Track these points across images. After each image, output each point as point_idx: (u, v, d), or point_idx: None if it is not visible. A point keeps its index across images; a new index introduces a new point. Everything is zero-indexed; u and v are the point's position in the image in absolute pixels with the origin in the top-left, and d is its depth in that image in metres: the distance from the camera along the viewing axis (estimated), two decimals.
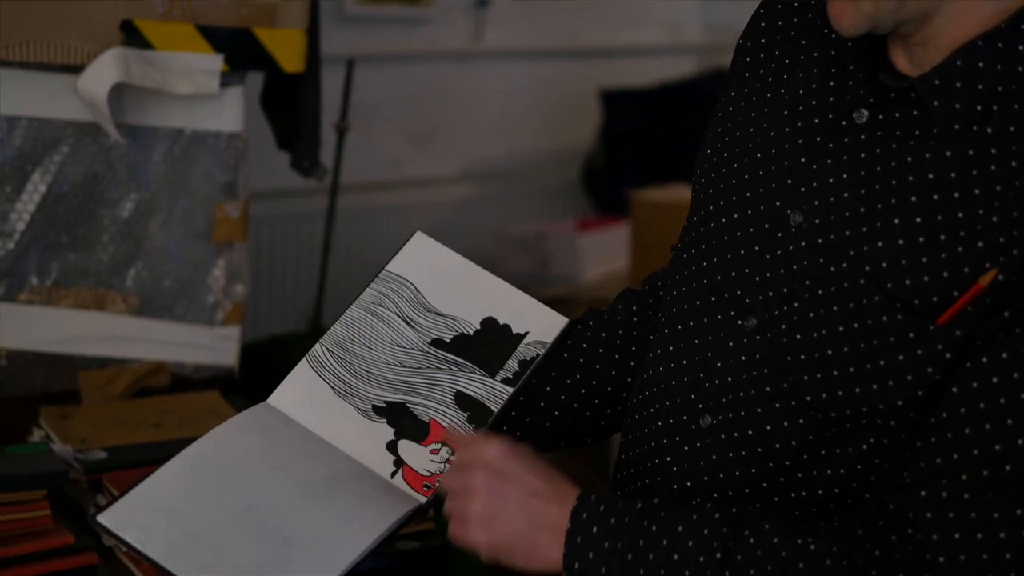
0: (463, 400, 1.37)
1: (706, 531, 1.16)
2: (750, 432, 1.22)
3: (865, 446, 1.17)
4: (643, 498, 1.23)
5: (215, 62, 1.94)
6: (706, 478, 1.24)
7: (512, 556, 1.22)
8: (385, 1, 3.45)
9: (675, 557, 1.16)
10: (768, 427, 1.21)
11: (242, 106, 2.01)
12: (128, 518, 1.25)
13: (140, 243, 2.02)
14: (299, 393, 1.39)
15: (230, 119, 2.01)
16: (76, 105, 1.92)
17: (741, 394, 1.22)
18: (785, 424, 1.20)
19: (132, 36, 1.90)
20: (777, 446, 1.20)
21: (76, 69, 1.88)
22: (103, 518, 1.25)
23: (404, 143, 3.62)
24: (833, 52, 1.24)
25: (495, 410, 1.36)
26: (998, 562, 1.08)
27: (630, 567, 1.17)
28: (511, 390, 1.36)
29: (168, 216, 2.02)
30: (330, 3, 3.20)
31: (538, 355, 1.39)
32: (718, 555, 1.14)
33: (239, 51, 1.96)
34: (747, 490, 1.22)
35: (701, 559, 1.15)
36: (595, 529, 1.19)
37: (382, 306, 1.42)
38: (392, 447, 1.35)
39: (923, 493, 1.11)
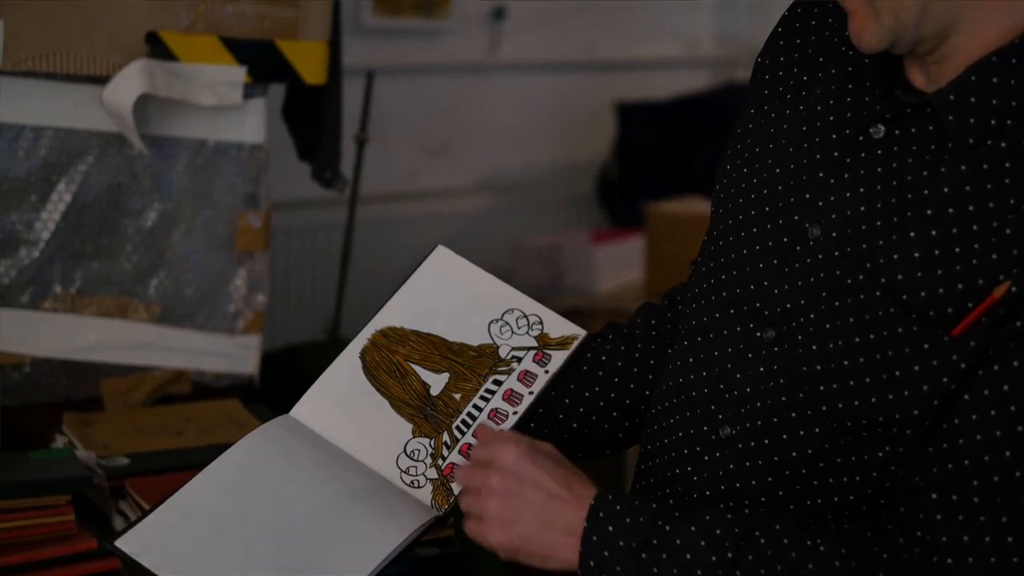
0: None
1: (718, 531, 1.17)
2: (767, 441, 1.23)
3: (881, 454, 1.18)
4: (658, 498, 1.24)
5: (238, 74, 1.95)
6: (725, 487, 1.25)
7: (529, 556, 1.23)
8: (402, 13, 3.46)
9: (688, 557, 1.17)
10: (785, 436, 1.22)
11: (264, 117, 2.03)
12: (146, 542, 1.25)
13: (163, 252, 2.03)
14: (320, 405, 1.40)
15: (252, 130, 2.02)
16: (101, 116, 1.93)
17: (759, 404, 1.24)
18: (801, 433, 1.21)
19: (157, 48, 1.91)
20: (794, 455, 1.22)
21: (101, 80, 1.90)
22: (121, 543, 1.25)
23: (420, 154, 3.63)
24: (850, 68, 1.25)
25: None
26: (1006, 565, 1.10)
27: (644, 566, 1.18)
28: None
29: (190, 226, 2.03)
30: (347, 14, 3.21)
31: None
32: (729, 555, 1.16)
33: (262, 63, 1.97)
34: (764, 498, 1.23)
35: (713, 559, 1.16)
36: (611, 528, 1.20)
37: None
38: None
39: (934, 496, 1.13)
